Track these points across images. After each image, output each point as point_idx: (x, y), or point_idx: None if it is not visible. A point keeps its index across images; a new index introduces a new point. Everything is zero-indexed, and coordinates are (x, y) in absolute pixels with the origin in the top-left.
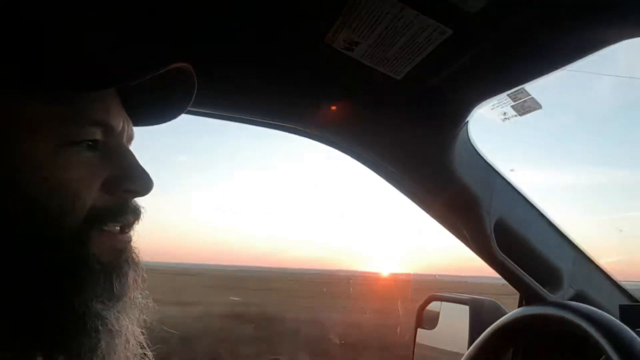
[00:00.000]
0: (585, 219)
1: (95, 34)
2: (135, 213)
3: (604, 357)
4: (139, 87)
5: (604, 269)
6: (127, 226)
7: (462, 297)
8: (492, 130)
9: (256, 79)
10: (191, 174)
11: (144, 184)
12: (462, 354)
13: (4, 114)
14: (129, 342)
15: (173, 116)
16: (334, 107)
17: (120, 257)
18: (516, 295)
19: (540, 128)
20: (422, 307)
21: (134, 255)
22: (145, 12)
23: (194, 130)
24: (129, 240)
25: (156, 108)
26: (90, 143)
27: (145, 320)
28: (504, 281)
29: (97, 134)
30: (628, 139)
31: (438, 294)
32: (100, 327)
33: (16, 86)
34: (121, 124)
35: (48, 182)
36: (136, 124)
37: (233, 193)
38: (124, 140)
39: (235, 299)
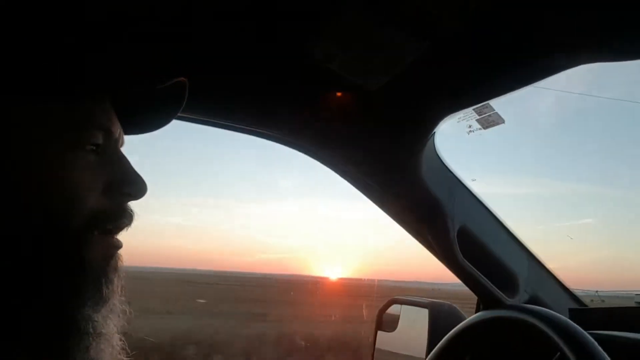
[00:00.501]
0: (535, 227)
1: (98, 43)
2: (130, 217)
3: (558, 354)
4: (134, 95)
5: (555, 275)
6: (119, 230)
7: (422, 301)
8: (452, 142)
9: (231, 85)
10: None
11: (140, 188)
12: (421, 357)
13: (17, 116)
14: (113, 347)
15: (161, 125)
16: (306, 114)
17: (109, 263)
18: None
19: (493, 140)
20: (383, 310)
21: (119, 262)
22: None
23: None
24: (119, 247)
25: (146, 116)
26: (94, 147)
27: (122, 327)
28: (449, 287)
29: (100, 139)
30: (571, 152)
31: (398, 297)
32: (90, 330)
33: (28, 90)
34: (118, 129)
35: (56, 184)
36: (125, 132)
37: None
38: (120, 146)
39: None
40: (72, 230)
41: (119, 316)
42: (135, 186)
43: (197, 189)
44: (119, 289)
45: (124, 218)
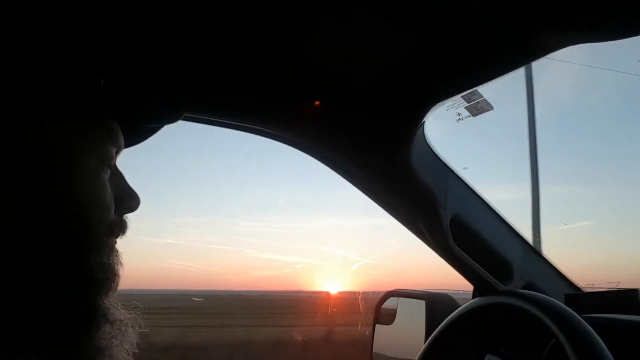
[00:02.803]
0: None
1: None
2: (127, 228)
3: (553, 340)
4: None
5: (550, 261)
6: (120, 236)
7: (419, 292)
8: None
9: (221, 79)
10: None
11: (137, 202)
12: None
13: (58, 129)
14: (127, 332)
15: (148, 136)
16: (293, 107)
17: (116, 258)
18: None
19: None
20: (380, 303)
21: (120, 255)
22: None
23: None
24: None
25: (140, 130)
26: (111, 163)
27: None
28: None
29: (114, 155)
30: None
31: (395, 289)
32: (111, 318)
33: (65, 105)
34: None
35: (93, 196)
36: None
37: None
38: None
39: None
40: (99, 236)
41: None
42: (135, 201)
43: (184, 205)
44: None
45: (125, 228)
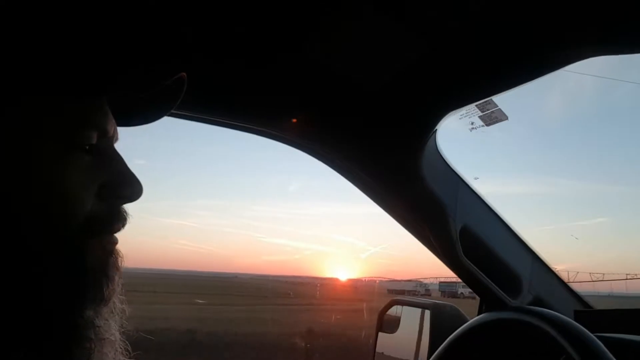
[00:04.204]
0: (543, 227)
1: (96, 37)
2: (124, 220)
3: (564, 356)
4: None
5: (559, 276)
6: (114, 232)
7: (424, 302)
8: (454, 139)
9: (232, 82)
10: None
11: (135, 190)
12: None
13: (8, 115)
14: (116, 350)
15: (157, 117)
16: (306, 113)
17: (109, 261)
18: None
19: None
20: (383, 311)
21: (119, 257)
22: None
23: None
24: (116, 242)
25: (141, 109)
26: (88, 147)
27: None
28: None
29: (94, 138)
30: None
31: (399, 298)
32: (92, 337)
33: (17, 88)
34: (113, 127)
35: (53, 186)
36: (118, 124)
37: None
38: (114, 143)
39: None
40: (68, 234)
41: (119, 315)
42: (131, 188)
43: (199, 190)
44: (119, 287)
45: (118, 222)
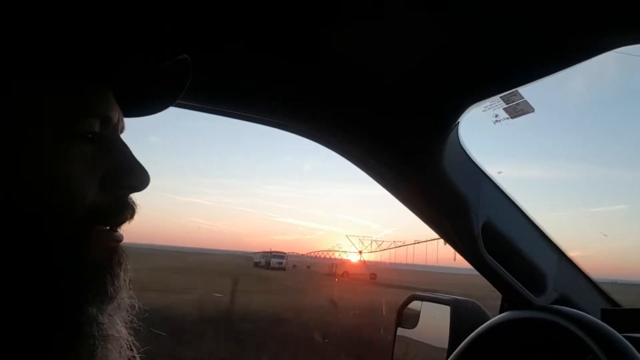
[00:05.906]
0: (562, 213)
1: (98, 23)
2: (132, 211)
3: (590, 357)
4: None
5: (586, 273)
6: (120, 224)
7: (444, 298)
8: (477, 128)
9: (248, 73)
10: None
11: (141, 179)
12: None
13: (4, 103)
14: (122, 347)
15: (162, 108)
16: (325, 106)
17: (113, 257)
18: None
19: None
20: (403, 305)
21: (123, 254)
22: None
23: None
24: (120, 239)
25: (147, 98)
26: (90, 135)
27: (132, 321)
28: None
29: (97, 126)
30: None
31: (419, 293)
32: (96, 334)
33: (15, 75)
34: (117, 115)
35: (50, 175)
36: (125, 114)
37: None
38: (119, 132)
39: None
40: (69, 226)
41: (127, 311)
42: (136, 177)
43: (213, 171)
44: (127, 283)
45: (125, 212)
